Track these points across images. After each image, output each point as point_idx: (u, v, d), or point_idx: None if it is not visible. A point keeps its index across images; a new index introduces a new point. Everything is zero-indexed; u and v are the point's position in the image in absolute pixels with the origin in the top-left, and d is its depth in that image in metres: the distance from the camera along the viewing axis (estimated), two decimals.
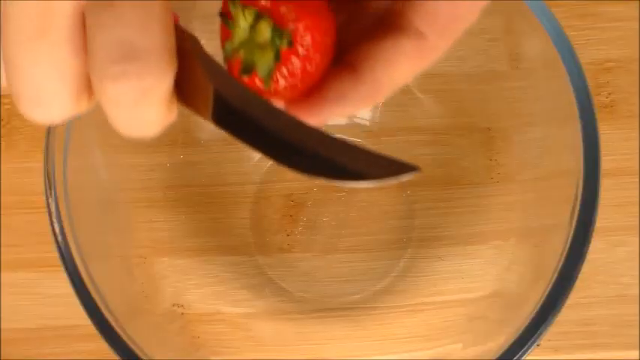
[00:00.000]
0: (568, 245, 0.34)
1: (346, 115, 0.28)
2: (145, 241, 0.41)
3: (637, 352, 0.43)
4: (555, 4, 0.36)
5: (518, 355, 0.33)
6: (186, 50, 0.22)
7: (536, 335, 0.33)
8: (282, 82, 0.26)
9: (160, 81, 0.21)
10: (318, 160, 0.23)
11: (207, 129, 0.30)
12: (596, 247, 0.43)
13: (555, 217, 0.36)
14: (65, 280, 0.34)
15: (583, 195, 0.34)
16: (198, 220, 0.44)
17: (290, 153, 0.23)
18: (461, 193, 0.43)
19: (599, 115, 0.34)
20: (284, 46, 0.25)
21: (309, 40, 0.25)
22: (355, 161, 0.23)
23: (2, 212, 0.46)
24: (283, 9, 0.24)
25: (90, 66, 0.21)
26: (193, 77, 0.22)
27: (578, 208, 0.34)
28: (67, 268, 0.34)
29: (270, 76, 0.25)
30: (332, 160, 0.23)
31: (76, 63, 0.21)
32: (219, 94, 0.22)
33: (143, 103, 0.21)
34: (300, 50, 0.25)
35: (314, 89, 0.27)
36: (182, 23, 0.24)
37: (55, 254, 0.34)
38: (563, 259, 0.34)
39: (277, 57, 0.25)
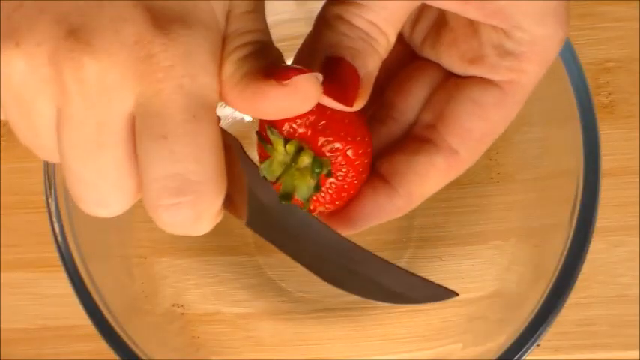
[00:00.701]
0: (568, 245, 0.34)
1: (379, 222, 0.29)
2: (144, 241, 0.41)
3: (637, 352, 0.43)
4: None
5: (518, 355, 0.33)
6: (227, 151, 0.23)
7: (536, 335, 0.33)
8: (320, 206, 0.27)
9: (213, 206, 0.22)
10: (356, 278, 0.24)
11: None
12: (596, 247, 0.43)
13: (555, 217, 0.36)
14: (65, 280, 0.34)
15: (583, 195, 0.34)
16: None
17: (325, 265, 0.24)
18: (461, 193, 0.43)
19: (599, 115, 0.34)
20: (323, 174, 0.26)
21: (348, 168, 0.26)
22: (397, 283, 0.24)
23: (2, 212, 0.46)
24: (322, 140, 0.25)
25: (143, 193, 0.22)
26: (231, 176, 0.23)
27: (578, 208, 0.34)
28: (67, 268, 0.34)
29: (309, 200, 0.26)
30: (371, 279, 0.24)
31: (133, 169, 0.22)
32: (258, 202, 0.24)
33: (195, 226, 0.22)
34: (340, 176, 0.26)
35: (350, 202, 0.28)
36: None
37: (55, 254, 0.34)
38: (563, 259, 0.34)
39: (317, 187, 0.26)
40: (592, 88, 0.35)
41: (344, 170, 0.26)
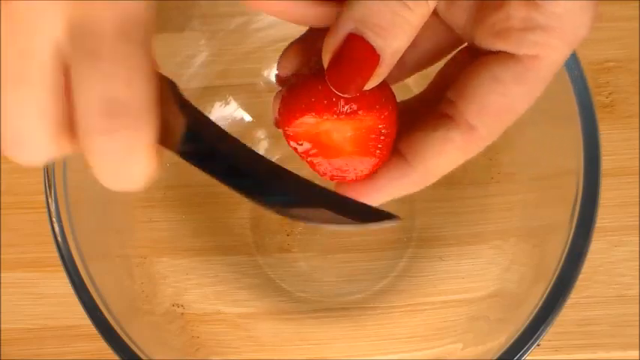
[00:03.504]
0: (568, 245, 0.34)
1: (394, 197, 0.29)
2: (145, 241, 0.41)
3: (637, 352, 0.43)
4: None
5: (518, 355, 0.33)
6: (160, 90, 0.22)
7: (536, 335, 0.33)
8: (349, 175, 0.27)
9: (146, 133, 0.21)
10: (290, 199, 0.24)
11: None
12: (596, 247, 0.43)
13: (555, 217, 0.36)
14: (65, 280, 0.34)
15: (583, 195, 0.34)
16: (198, 220, 0.44)
17: (260, 190, 0.24)
18: (461, 193, 0.43)
19: (599, 115, 0.34)
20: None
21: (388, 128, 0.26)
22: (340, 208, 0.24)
23: (2, 212, 0.46)
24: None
25: (76, 118, 0.21)
26: (164, 114, 0.22)
27: (578, 208, 0.34)
28: (66, 268, 0.34)
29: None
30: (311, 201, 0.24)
31: (55, 105, 0.21)
32: (192, 130, 0.23)
33: (130, 156, 0.21)
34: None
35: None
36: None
37: (55, 254, 0.34)
38: (563, 259, 0.34)
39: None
40: (592, 88, 0.35)
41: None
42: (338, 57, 0.24)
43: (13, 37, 0.20)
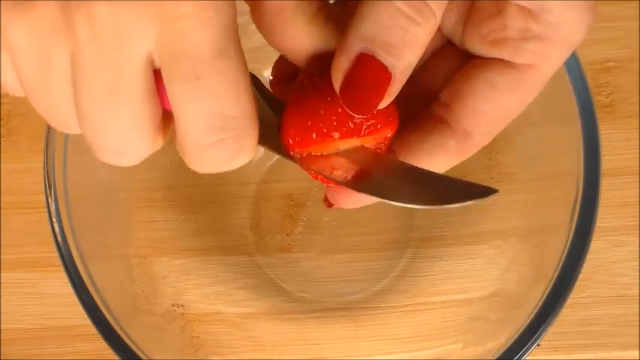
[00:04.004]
0: (568, 245, 0.34)
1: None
2: (145, 241, 0.41)
3: (637, 352, 0.43)
4: None
5: (518, 355, 0.33)
6: None
7: (536, 335, 0.33)
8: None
9: (253, 137, 0.22)
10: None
11: None
12: (596, 247, 0.43)
13: (555, 217, 0.36)
14: (65, 280, 0.34)
15: (583, 195, 0.34)
16: (198, 220, 0.44)
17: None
18: None
19: (599, 115, 0.34)
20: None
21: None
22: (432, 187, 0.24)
23: (2, 212, 0.46)
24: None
25: (183, 134, 0.22)
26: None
27: (578, 208, 0.34)
28: (66, 268, 0.34)
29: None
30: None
31: (150, 112, 0.22)
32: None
33: (238, 159, 0.22)
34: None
35: None
36: None
37: (55, 254, 0.34)
38: (563, 259, 0.34)
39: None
40: (592, 88, 0.34)
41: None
42: (350, 78, 0.23)
43: (101, 52, 0.20)
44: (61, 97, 0.21)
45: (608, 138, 0.44)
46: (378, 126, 0.25)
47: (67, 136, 0.35)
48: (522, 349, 0.33)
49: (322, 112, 0.24)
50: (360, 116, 0.24)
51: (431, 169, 0.27)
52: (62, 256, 0.34)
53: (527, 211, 0.39)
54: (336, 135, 0.24)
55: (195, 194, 0.44)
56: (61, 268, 0.34)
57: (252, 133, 0.22)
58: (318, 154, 0.25)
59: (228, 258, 0.44)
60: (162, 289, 0.41)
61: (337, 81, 0.23)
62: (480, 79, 0.27)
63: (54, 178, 0.35)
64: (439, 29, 0.28)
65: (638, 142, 0.45)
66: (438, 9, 0.23)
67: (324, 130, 0.24)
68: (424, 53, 0.28)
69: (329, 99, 0.24)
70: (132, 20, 0.20)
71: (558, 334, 0.43)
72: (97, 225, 0.38)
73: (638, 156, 0.45)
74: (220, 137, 0.22)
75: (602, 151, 0.34)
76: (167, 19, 0.20)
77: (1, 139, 0.47)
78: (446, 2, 0.24)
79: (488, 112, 0.27)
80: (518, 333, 0.33)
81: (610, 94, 0.46)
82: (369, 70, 0.23)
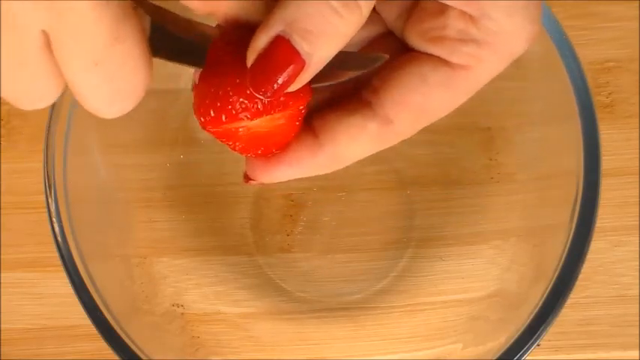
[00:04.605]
0: (568, 245, 0.34)
1: (300, 176, 0.28)
2: (145, 241, 0.41)
3: (637, 352, 0.43)
4: (555, 4, 0.36)
5: (518, 355, 0.33)
6: None
7: (536, 335, 0.33)
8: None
9: (147, 87, 0.23)
10: None
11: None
12: (596, 247, 0.43)
13: (555, 217, 0.36)
14: (65, 280, 0.34)
15: (583, 195, 0.34)
16: (198, 220, 0.44)
17: None
18: (461, 193, 0.43)
19: (599, 115, 0.34)
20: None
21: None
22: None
23: (2, 212, 0.46)
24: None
25: (79, 99, 0.23)
26: None
27: (578, 208, 0.34)
28: (66, 268, 0.34)
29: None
30: None
31: (50, 68, 0.22)
32: (155, 24, 0.24)
33: (133, 105, 0.23)
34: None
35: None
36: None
37: (55, 254, 0.34)
38: (563, 259, 0.34)
39: None
40: (592, 88, 0.35)
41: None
42: (263, 58, 0.23)
43: (5, 34, 0.21)
44: None
45: (608, 138, 0.44)
46: (290, 102, 0.25)
47: (67, 136, 0.35)
48: (522, 349, 0.33)
49: (231, 93, 0.24)
50: (263, 97, 0.24)
51: (350, 154, 0.27)
52: (62, 256, 0.34)
53: (527, 211, 0.40)
54: (245, 116, 0.24)
55: (195, 194, 0.44)
56: (61, 268, 0.34)
57: (146, 86, 0.23)
58: (230, 128, 0.25)
59: (228, 258, 0.44)
60: (162, 289, 0.41)
61: (250, 58, 0.23)
62: (413, 70, 0.27)
63: (54, 178, 0.35)
64: (381, 19, 0.29)
65: (638, 142, 0.45)
66: (365, 6, 0.23)
67: (233, 112, 0.24)
68: (361, 41, 0.28)
69: (238, 80, 0.24)
70: (21, 5, 0.20)
71: (558, 334, 0.43)
72: (97, 225, 0.38)
73: (638, 156, 0.45)
74: (120, 103, 0.23)
75: (602, 151, 0.34)
76: (57, 9, 0.20)
77: (1, 139, 0.47)
78: (374, 2, 0.24)
79: (413, 103, 0.27)
80: (518, 333, 0.33)
81: (610, 94, 0.46)
82: (282, 54, 0.23)
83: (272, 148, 0.27)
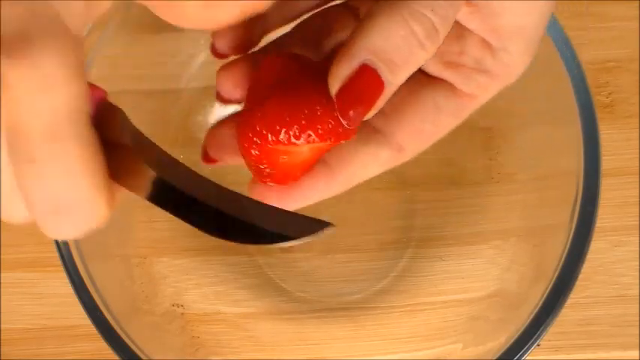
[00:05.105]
0: (568, 245, 0.34)
1: (312, 202, 0.29)
2: (144, 241, 0.41)
3: (637, 352, 0.43)
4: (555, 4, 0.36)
5: (518, 355, 0.33)
6: (119, 139, 0.22)
7: (536, 335, 0.33)
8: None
9: (94, 218, 0.22)
10: (247, 229, 0.24)
11: (207, 129, 0.30)
12: (596, 247, 0.43)
13: (555, 217, 0.36)
14: (65, 280, 0.34)
15: (583, 195, 0.34)
16: None
17: (221, 225, 0.24)
18: (461, 193, 0.43)
19: (599, 115, 0.34)
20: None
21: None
22: (279, 225, 0.24)
23: None
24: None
25: (30, 211, 0.22)
26: (127, 162, 0.22)
27: (578, 208, 0.34)
28: (66, 268, 0.34)
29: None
30: (258, 227, 0.24)
31: (12, 191, 0.21)
32: (157, 179, 0.22)
33: (80, 233, 0.22)
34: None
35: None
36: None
37: (55, 254, 0.34)
38: (563, 259, 0.34)
39: None
40: (592, 88, 0.35)
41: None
42: (349, 86, 0.23)
43: None
44: None
45: (608, 138, 0.44)
46: (349, 133, 0.25)
47: None
48: (522, 349, 0.33)
49: (311, 115, 0.24)
50: (347, 124, 0.24)
51: (359, 179, 0.28)
52: (62, 256, 0.34)
53: (527, 211, 0.40)
54: (313, 139, 0.24)
55: None
56: (61, 268, 0.34)
57: (93, 211, 0.22)
58: (279, 149, 0.25)
59: (228, 258, 0.44)
60: (162, 289, 0.41)
61: (335, 85, 0.23)
62: (428, 98, 0.27)
63: None
64: None
65: (638, 142, 0.45)
66: (442, 37, 0.24)
67: (304, 134, 0.24)
68: None
69: (316, 106, 0.24)
70: None
71: (558, 334, 0.43)
72: None
73: (638, 156, 0.45)
74: (57, 217, 0.21)
75: (602, 151, 0.34)
76: (3, 103, 0.19)
77: None
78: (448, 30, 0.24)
79: (427, 131, 0.27)
80: (518, 333, 0.33)
81: (610, 94, 0.46)
82: (368, 82, 0.23)
83: (293, 178, 0.27)
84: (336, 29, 0.29)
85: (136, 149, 0.22)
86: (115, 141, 0.22)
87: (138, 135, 0.23)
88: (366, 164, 0.28)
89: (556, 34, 0.35)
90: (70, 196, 0.21)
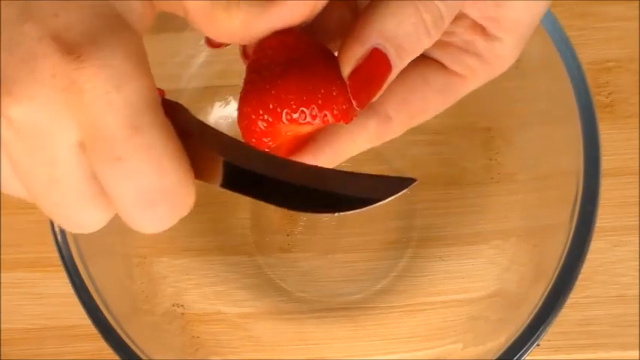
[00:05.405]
0: (568, 245, 0.34)
1: None
2: (145, 241, 0.41)
3: (637, 352, 0.43)
4: (555, 4, 0.36)
5: (518, 355, 0.33)
6: (186, 131, 0.22)
7: (536, 335, 0.33)
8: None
9: (188, 201, 0.22)
10: (326, 197, 0.24)
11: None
12: (596, 247, 0.43)
13: (555, 217, 0.36)
14: (65, 280, 0.34)
15: (583, 195, 0.34)
16: (199, 220, 0.44)
17: (302, 198, 0.24)
18: (461, 193, 0.43)
19: (599, 115, 0.34)
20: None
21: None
22: (361, 189, 0.24)
23: (2, 212, 0.46)
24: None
25: (117, 209, 0.22)
26: (198, 153, 0.23)
27: (578, 208, 0.34)
28: (66, 268, 0.34)
29: None
30: (339, 194, 0.24)
31: (96, 189, 0.22)
32: (229, 163, 0.23)
33: (173, 220, 0.22)
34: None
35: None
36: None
37: (55, 254, 0.34)
38: (563, 259, 0.34)
39: None
40: (592, 88, 0.35)
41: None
42: (361, 68, 0.24)
43: (31, 151, 0.20)
44: (16, 189, 0.22)
45: (608, 138, 0.44)
46: (355, 113, 0.25)
47: None
48: (522, 349, 0.33)
49: (327, 95, 0.24)
50: (357, 105, 0.24)
51: (347, 152, 0.28)
52: (62, 256, 0.34)
53: (527, 211, 0.40)
54: (326, 120, 0.24)
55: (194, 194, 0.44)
56: (61, 268, 0.34)
57: (185, 197, 0.22)
58: (288, 128, 0.25)
59: (228, 258, 0.44)
60: (162, 289, 0.41)
61: (348, 67, 0.24)
62: (416, 72, 0.28)
63: None
64: None
65: (638, 142, 0.45)
66: (447, 26, 0.24)
67: (320, 114, 0.24)
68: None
69: (325, 79, 0.24)
70: (47, 118, 0.20)
71: (558, 334, 0.43)
72: None
73: (638, 156, 0.45)
74: (152, 210, 0.22)
75: (602, 151, 0.34)
76: (78, 109, 0.20)
77: None
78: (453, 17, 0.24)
79: (413, 103, 0.28)
80: (518, 333, 0.33)
81: (610, 94, 0.46)
82: (378, 66, 0.24)
83: (285, 151, 0.27)
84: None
85: (204, 139, 0.23)
86: (181, 133, 0.22)
87: (203, 125, 0.24)
88: (354, 136, 0.28)
89: (556, 34, 0.35)
90: (162, 186, 0.21)
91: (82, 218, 0.22)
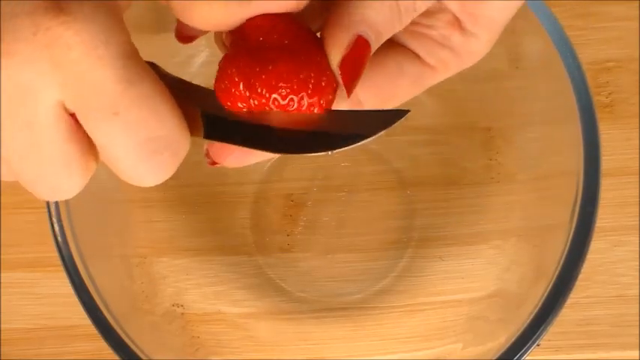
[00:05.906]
0: (568, 245, 0.34)
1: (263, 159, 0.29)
2: (144, 241, 0.41)
3: (637, 352, 0.43)
4: (555, 4, 0.36)
5: (518, 355, 0.33)
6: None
7: (536, 335, 0.33)
8: None
9: (187, 144, 0.23)
10: (313, 137, 0.24)
11: None
12: (596, 247, 0.43)
13: (555, 217, 0.36)
14: (65, 280, 0.34)
15: (583, 195, 0.34)
16: (198, 220, 0.44)
17: (289, 140, 0.24)
18: (461, 193, 0.43)
19: (599, 115, 0.34)
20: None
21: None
22: (349, 126, 0.24)
23: (2, 212, 0.46)
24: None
25: (117, 164, 0.22)
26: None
27: (578, 208, 0.34)
28: (66, 268, 0.34)
29: None
30: (329, 132, 0.24)
31: (76, 149, 0.22)
32: (208, 114, 0.23)
33: (174, 167, 0.23)
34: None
35: None
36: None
37: (55, 254, 0.34)
38: (563, 259, 0.34)
39: None
40: (592, 88, 0.34)
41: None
42: (349, 56, 0.24)
43: (10, 110, 0.20)
44: None
45: (608, 138, 0.44)
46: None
47: None
48: (522, 349, 0.33)
49: (312, 81, 0.24)
50: (347, 93, 0.25)
51: (400, 97, 0.29)
52: (62, 256, 0.34)
53: (527, 211, 0.39)
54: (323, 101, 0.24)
55: (195, 194, 0.44)
56: (61, 268, 0.34)
57: (184, 141, 0.22)
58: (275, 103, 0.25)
59: (228, 258, 0.44)
60: (162, 289, 0.41)
61: (337, 56, 0.24)
62: (391, 59, 0.28)
63: None
64: None
65: (638, 142, 0.45)
66: (417, 14, 0.25)
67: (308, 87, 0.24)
68: None
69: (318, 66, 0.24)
70: (28, 75, 0.20)
71: (558, 334, 0.43)
72: (96, 225, 0.38)
73: (638, 156, 0.45)
74: (156, 159, 0.22)
75: (602, 151, 0.34)
76: (64, 66, 0.20)
77: None
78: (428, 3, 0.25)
79: (385, 89, 0.28)
80: (518, 333, 0.33)
81: (610, 94, 0.46)
82: (362, 52, 0.24)
83: None
84: None
85: (182, 92, 0.23)
86: None
87: (179, 80, 0.24)
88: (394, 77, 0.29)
89: (556, 34, 0.35)
90: (163, 133, 0.21)
91: (60, 183, 0.22)
